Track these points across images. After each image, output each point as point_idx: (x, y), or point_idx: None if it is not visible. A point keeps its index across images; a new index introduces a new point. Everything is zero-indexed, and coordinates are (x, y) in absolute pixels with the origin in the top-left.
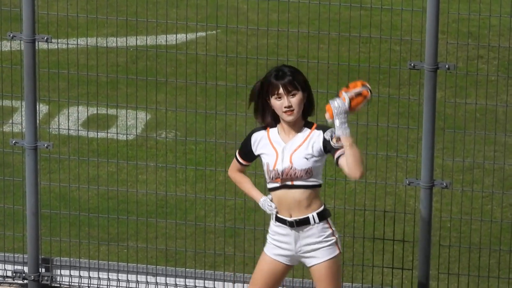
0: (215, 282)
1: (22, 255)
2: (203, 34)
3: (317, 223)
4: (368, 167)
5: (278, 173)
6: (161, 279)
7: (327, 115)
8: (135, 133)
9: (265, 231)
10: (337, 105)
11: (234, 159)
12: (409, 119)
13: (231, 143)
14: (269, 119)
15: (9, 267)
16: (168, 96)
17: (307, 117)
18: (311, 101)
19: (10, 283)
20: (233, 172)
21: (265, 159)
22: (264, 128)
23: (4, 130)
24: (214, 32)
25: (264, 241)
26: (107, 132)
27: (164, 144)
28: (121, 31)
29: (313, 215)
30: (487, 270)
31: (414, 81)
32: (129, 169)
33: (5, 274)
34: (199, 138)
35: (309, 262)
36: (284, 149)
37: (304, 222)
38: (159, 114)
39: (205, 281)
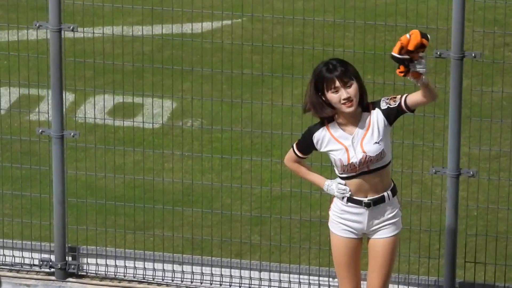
0: (241, 270)
1: (49, 244)
2: (229, 22)
3: (391, 200)
4: (394, 155)
5: (355, 165)
6: (187, 268)
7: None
8: (161, 122)
9: (291, 220)
10: (424, 69)
11: (291, 151)
12: (436, 107)
13: (256, 131)
14: (328, 113)
15: (36, 255)
16: (194, 85)
17: (362, 104)
18: (364, 89)
19: (37, 271)
20: (290, 162)
21: (335, 156)
22: (322, 124)
23: (31, 118)
24: (239, 20)
25: (290, 229)
26: (133, 121)
27: (190, 132)
28: (146, 20)
29: (388, 193)
30: None
31: (440, 69)
32: (155, 157)
33: (32, 263)
34: (224, 126)
35: (375, 235)
36: (352, 141)
37: (380, 201)
38: (185, 102)
39: (231, 270)
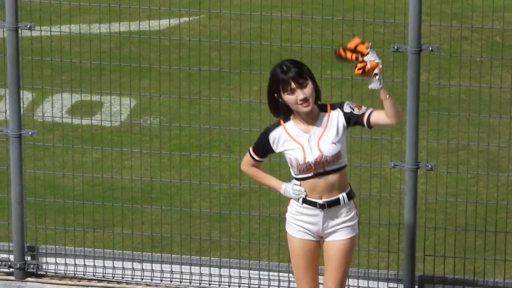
0: (201, 267)
1: (7, 243)
2: (187, 19)
3: (346, 203)
4: (353, 150)
5: (310, 165)
6: (147, 266)
7: (371, 70)
8: (120, 120)
9: (250, 216)
10: (379, 60)
11: (248, 155)
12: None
13: (215, 128)
14: (284, 113)
15: None
16: (153, 82)
17: (317, 102)
18: (318, 88)
19: None
20: (246, 166)
21: (291, 155)
22: (279, 124)
23: None
24: (197, 17)
25: (249, 225)
26: (92, 119)
27: (149, 130)
28: (104, 18)
29: (343, 196)
30: (473, 252)
31: (398, 63)
32: (115, 155)
33: None
34: (184, 123)
35: (329, 238)
36: (309, 140)
37: (335, 203)
38: (144, 100)
39: (191, 267)
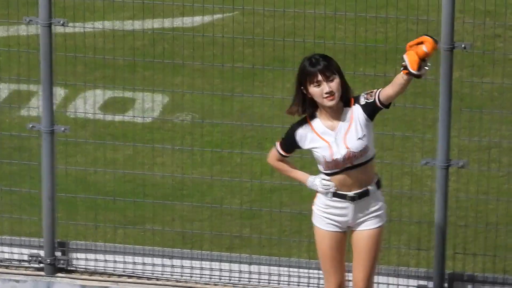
0: (231, 264)
1: (38, 239)
2: (220, 16)
3: (376, 193)
4: (386, 147)
5: (338, 162)
6: (177, 262)
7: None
8: (152, 116)
9: (281, 213)
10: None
11: (274, 149)
12: (427, 98)
13: (248, 125)
14: (310, 109)
15: (25, 251)
16: (186, 79)
17: (344, 100)
18: (347, 84)
19: (26, 267)
20: (273, 160)
21: (318, 153)
22: (305, 121)
23: (22, 114)
24: (231, 14)
25: (280, 222)
26: (124, 116)
27: (181, 126)
28: (138, 14)
29: (372, 187)
30: (504, 250)
31: (431, 60)
32: (146, 152)
33: (21, 258)
34: (216, 120)
35: (358, 227)
36: (335, 137)
37: (365, 194)
38: (177, 96)
39: (221, 263)
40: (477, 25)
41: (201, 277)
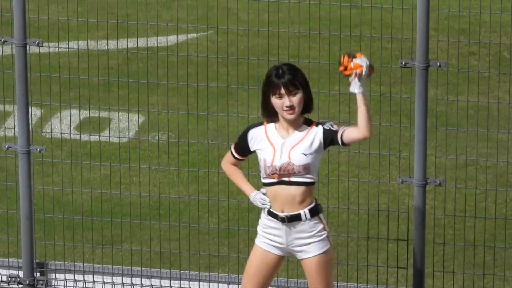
0: (210, 283)
1: (16, 260)
2: (194, 35)
3: (309, 219)
4: (362, 165)
5: (276, 169)
6: (156, 282)
7: (353, 69)
8: (128, 136)
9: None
10: (366, 63)
11: (229, 153)
12: (402, 117)
13: (224, 144)
14: (270, 115)
15: (4, 271)
16: (161, 98)
17: (305, 114)
18: (310, 99)
19: None
20: (226, 164)
21: (261, 155)
22: (261, 123)
23: None
24: (205, 33)
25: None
26: (100, 135)
27: (157, 146)
28: (112, 34)
29: (304, 211)
30: (482, 267)
31: (406, 79)
32: (123, 171)
33: (0, 279)
34: (192, 139)
35: (300, 256)
36: (283, 145)
37: (296, 218)
38: (152, 116)
39: (200, 283)
40: (451, 43)
41: None
